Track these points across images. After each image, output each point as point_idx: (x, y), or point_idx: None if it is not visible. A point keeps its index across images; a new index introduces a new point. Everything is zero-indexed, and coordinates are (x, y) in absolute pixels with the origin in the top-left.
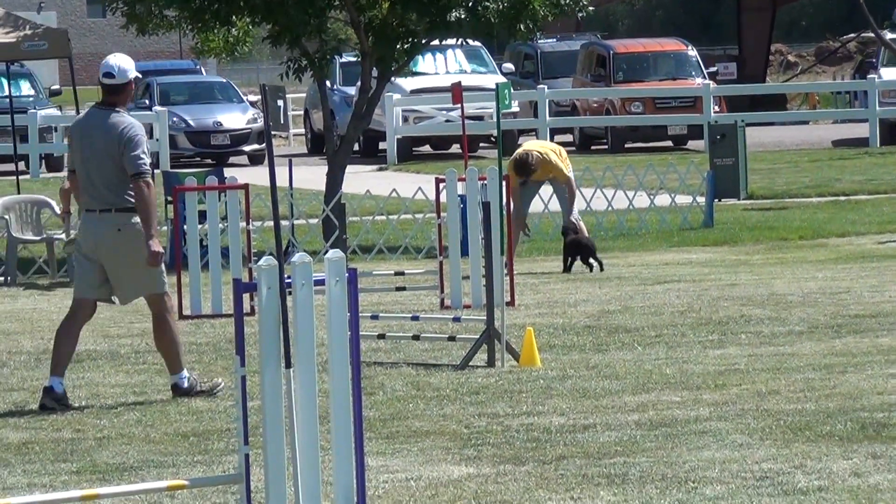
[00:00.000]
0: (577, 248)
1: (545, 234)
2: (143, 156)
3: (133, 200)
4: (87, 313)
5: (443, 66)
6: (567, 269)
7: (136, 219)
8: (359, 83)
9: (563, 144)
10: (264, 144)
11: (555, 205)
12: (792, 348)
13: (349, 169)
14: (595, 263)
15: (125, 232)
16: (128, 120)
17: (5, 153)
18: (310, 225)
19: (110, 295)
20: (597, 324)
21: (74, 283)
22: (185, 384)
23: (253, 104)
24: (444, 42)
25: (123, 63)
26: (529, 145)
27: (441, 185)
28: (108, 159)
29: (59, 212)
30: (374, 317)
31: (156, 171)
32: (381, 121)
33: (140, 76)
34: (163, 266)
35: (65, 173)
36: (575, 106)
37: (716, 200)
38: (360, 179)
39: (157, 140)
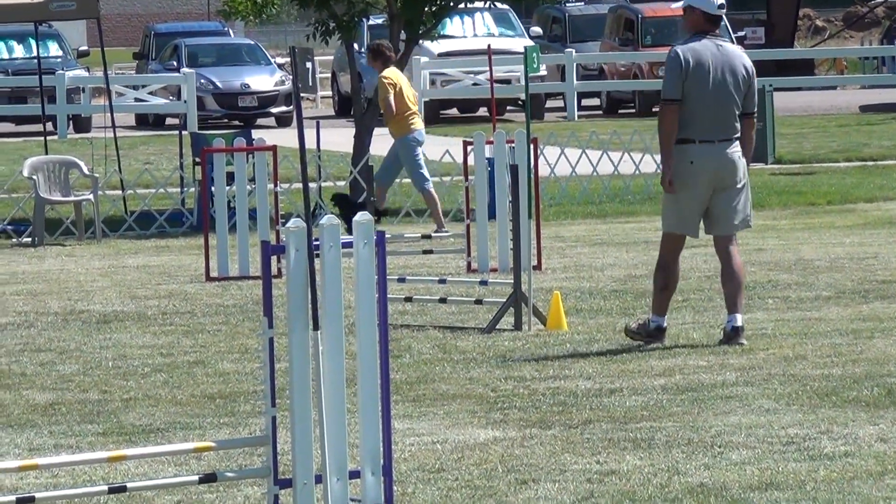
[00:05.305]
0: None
1: (572, 197)
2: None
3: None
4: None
5: (470, 30)
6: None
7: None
8: None
9: (591, 108)
10: (292, 107)
11: (582, 168)
12: (819, 313)
13: (376, 131)
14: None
15: (743, 160)
16: (745, 56)
17: (33, 114)
18: (338, 187)
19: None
20: (623, 288)
21: (672, 220)
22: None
23: (280, 66)
24: (471, 5)
25: None
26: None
27: (469, 148)
28: (730, 89)
29: (86, 172)
30: (402, 279)
31: (184, 132)
32: None
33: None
34: None
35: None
36: (602, 70)
37: None
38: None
39: (185, 101)
